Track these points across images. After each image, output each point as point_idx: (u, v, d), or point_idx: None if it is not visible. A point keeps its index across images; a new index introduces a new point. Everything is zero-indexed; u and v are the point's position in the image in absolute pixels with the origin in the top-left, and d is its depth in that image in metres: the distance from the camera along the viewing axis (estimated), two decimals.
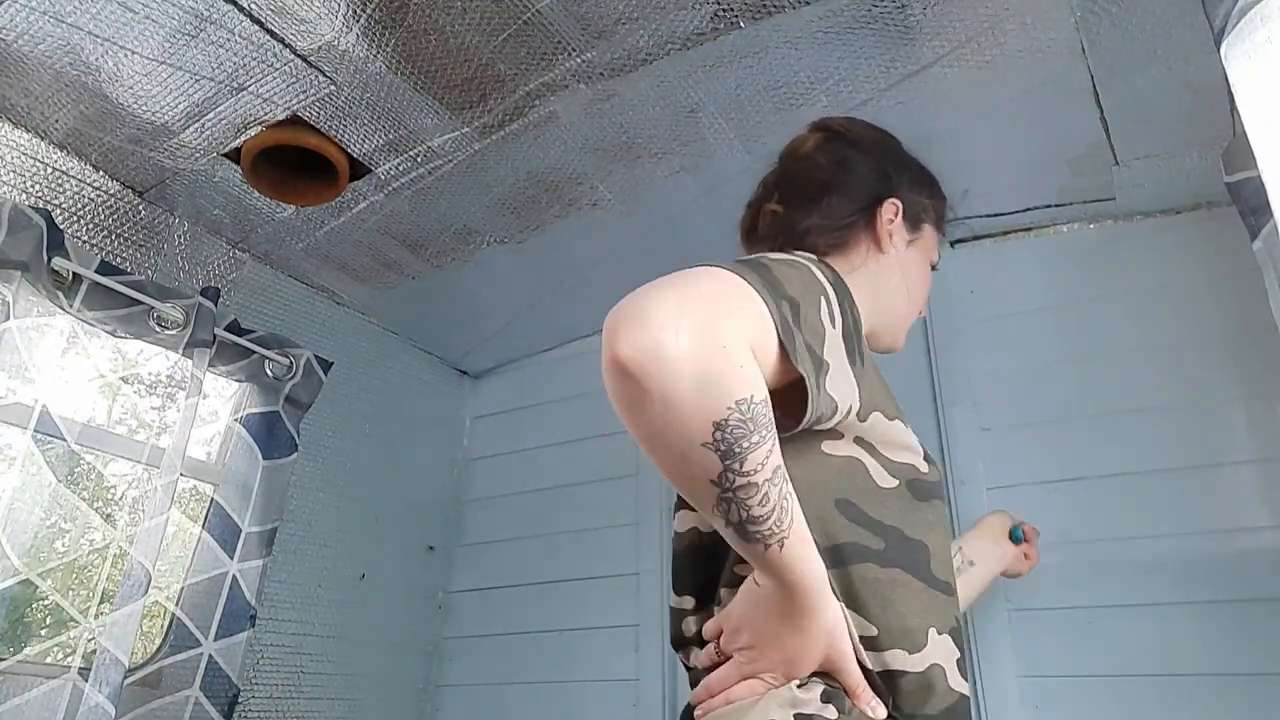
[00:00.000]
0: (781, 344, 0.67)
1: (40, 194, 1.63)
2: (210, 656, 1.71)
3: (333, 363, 2.05)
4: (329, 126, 1.60)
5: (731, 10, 1.33)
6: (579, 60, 1.44)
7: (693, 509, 0.88)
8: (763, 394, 0.64)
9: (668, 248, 1.99)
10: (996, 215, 1.85)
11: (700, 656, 0.81)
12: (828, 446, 0.79)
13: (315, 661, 2.01)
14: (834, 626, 0.73)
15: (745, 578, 0.78)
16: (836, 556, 0.75)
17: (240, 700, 1.75)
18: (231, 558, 1.78)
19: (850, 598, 0.75)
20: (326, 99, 1.53)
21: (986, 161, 1.69)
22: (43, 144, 1.63)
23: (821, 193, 1.00)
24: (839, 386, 0.74)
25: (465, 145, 1.67)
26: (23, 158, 1.61)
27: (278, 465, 1.89)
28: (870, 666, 0.74)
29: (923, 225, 1.04)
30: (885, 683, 0.74)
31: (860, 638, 0.75)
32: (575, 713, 2.03)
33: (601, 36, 1.39)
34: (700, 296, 0.65)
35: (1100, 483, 1.60)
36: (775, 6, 1.32)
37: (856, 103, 1.53)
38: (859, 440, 0.80)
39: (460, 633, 2.32)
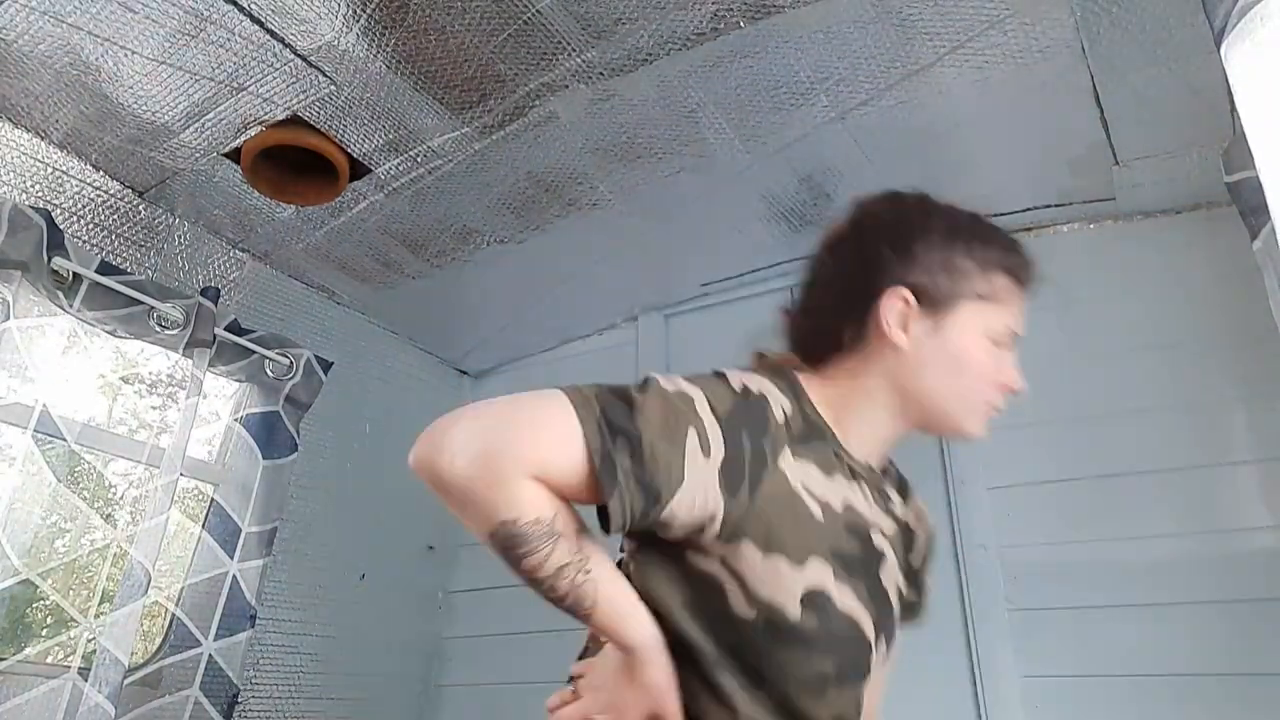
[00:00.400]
0: (600, 480, 0.74)
1: (40, 194, 1.63)
2: (210, 656, 1.71)
3: (333, 363, 2.05)
4: (329, 126, 1.60)
5: (731, 10, 1.33)
6: (579, 60, 1.44)
7: None
8: (532, 515, 0.73)
9: (668, 248, 1.99)
10: (996, 215, 1.85)
11: (555, 696, 0.89)
12: (692, 558, 0.82)
13: (315, 661, 2.00)
14: (660, 687, 0.78)
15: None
16: (680, 649, 0.80)
17: (240, 700, 1.75)
18: (231, 558, 1.78)
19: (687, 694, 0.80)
20: (326, 99, 1.53)
21: (986, 161, 1.69)
22: (43, 144, 1.63)
23: (817, 296, 0.98)
24: (688, 505, 0.77)
25: (465, 145, 1.66)
26: (23, 158, 1.61)
27: (278, 465, 1.89)
28: None
29: (954, 305, 0.91)
30: None
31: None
32: None
33: (601, 36, 1.39)
34: (498, 428, 0.75)
35: (1100, 483, 1.60)
36: (775, 6, 1.32)
37: (857, 103, 1.53)
38: (725, 564, 0.81)
39: (460, 633, 2.32)
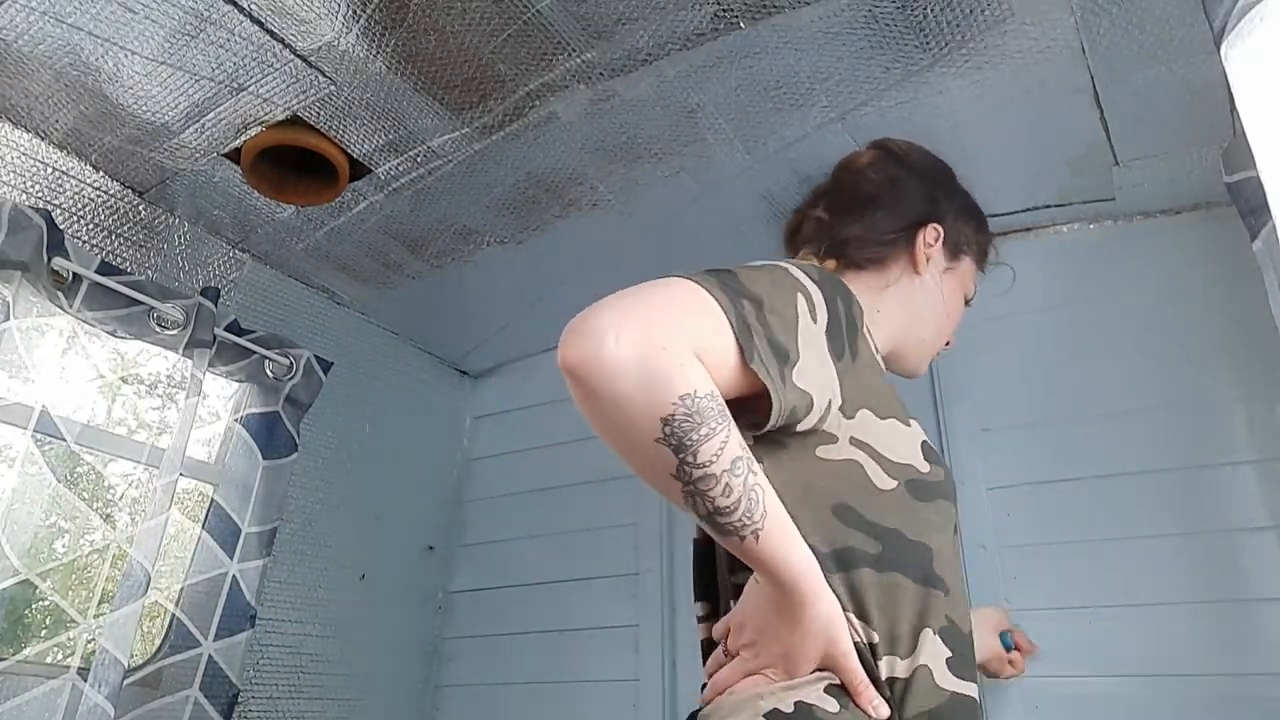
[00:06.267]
0: (740, 345, 0.70)
1: (40, 194, 1.63)
2: (210, 657, 1.70)
3: (333, 363, 2.05)
4: (329, 126, 1.60)
5: (731, 10, 1.33)
6: (579, 60, 1.44)
7: None
8: (707, 389, 0.67)
9: (668, 248, 1.99)
10: (996, 215, 1.85)
11: (710, 662, 0.83)
12: (823, 451, 0.79)
13: (315, 661, 2.00)
14: (830, 621, 0.73)
15: (742, 585, 0.80)
16: (839, 561, 0.76)
17: (240, 700, 1.75)
18: (231, 558, 1.78)
19: (855, 603, 0.76)
20: (326, 99, 1.53)
21: (986, 161, 1.69)
22: (43, 144, 1.63)
23: (868, 207, 1.05)
24: (813, 379, 0.75)
25: (465, 145, 1.66)
26: (23, 158, 1.61)
27: (278, 465, 1.89)
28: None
29: (962, 256, 1.08)
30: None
31: (861, 644, 0.75)
32: (575, 713, 2.03)
33: (601, 36, 1.39)
34: (646, 305, 0.70)
35: (1100, 483, 1.60)
36: (775, 6, 1.32)
37: (857, 103, 1.53)
38: (855, 441, 0.80)
39: (460, 633, 2.32)
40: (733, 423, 0.69)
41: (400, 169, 1.73)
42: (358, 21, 1.35)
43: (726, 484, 0.67)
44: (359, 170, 1.73)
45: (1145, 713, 1.44)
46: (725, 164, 1.71)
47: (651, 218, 1.89)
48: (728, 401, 0.70)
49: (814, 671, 0.74)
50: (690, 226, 1.90)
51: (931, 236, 1.03)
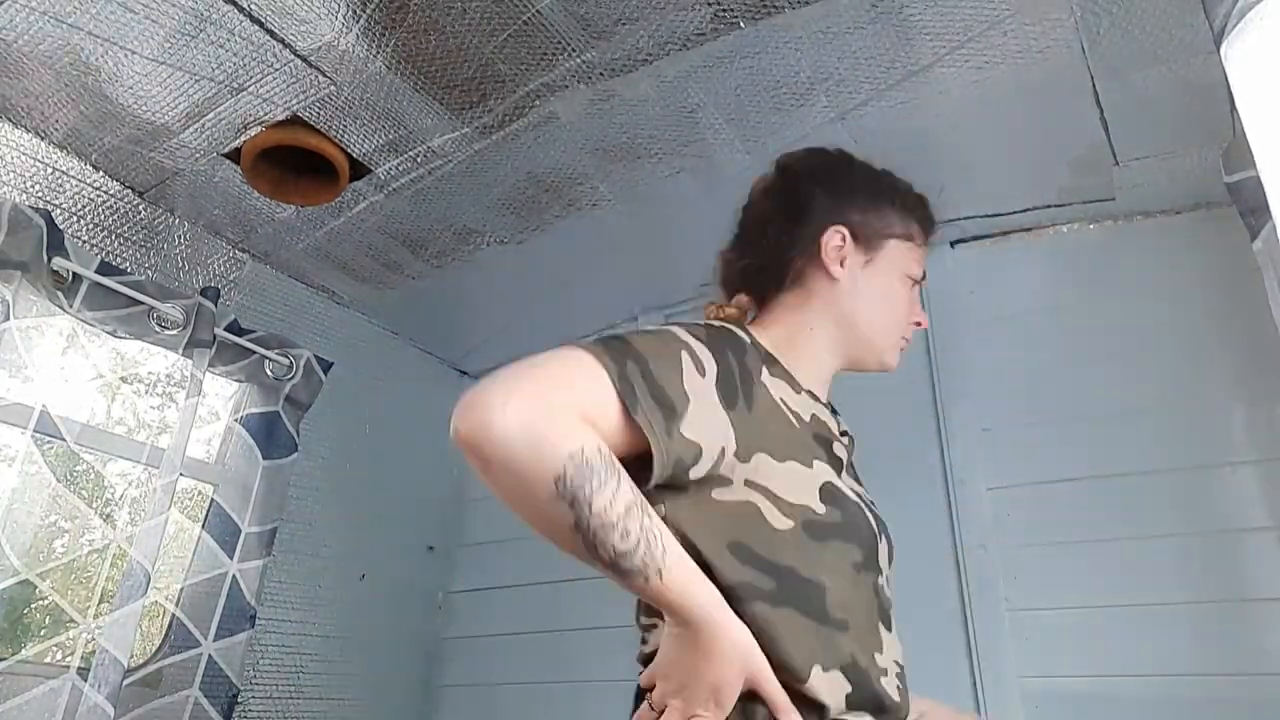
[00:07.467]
0: (624, 403, 0.74)
1: (40, 194, 1.63)
2: (210, 656, 1.71)
3: (332, 363, 2.05)
4: (329, 126, 1.60)
5: (731, 10, 1.33)
6: (579, 60, 1.44)
7: None
8: (594, 445, 0.71)
9: (668, 248, 1.99)
10: (996, 215, 1.85)
11: (639, 713, 0.83)
12: (718, 494, 0.82)
13: (315, 661, 2.01)
14: (745, 646, 0.76)
15: (650, 628, 0.84)
16: (734, 596, 0.79)
17: (240, 700, 1.75)
18: (231, 558, 1.78)
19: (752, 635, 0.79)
20: (326, 99, 1.53)
21: (986, 161, 1.69)
22: (43, 144, 1.63)
23: (761, 233, 1.05)
24: (702, 429, 0.78)
25: (465, 145, 1.67)
26: (23, 158, 1.61)
27: (278, 465, 1.89)
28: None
29: (883, 243, 1.02)
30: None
31: None
32: (575, 713, 2.02)
33: (601, 36, 1.39)
34: (532, 376, 0.74)
35: (1100, 483, 1.60)
36: (775, 6, 1.32)
37: (857, 103, 1.53)
38: (750, 484, 0.83)
39: (460, 633, 2.32)
40: (623, 473, 0.73)
41: (400, 169, 1.73)
42: (358, 21, 1.36)
43: (624, 528, 0.71)
44: (359, 170, 1.73)
45: (1145, 713, 1.44)
46: (725, 164, 1.71)
47: (651, 218, 1.89)
48: (624, 462, 0.75)
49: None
50: (690, 226, 1.90)
51: (835, 240, 0.99)
